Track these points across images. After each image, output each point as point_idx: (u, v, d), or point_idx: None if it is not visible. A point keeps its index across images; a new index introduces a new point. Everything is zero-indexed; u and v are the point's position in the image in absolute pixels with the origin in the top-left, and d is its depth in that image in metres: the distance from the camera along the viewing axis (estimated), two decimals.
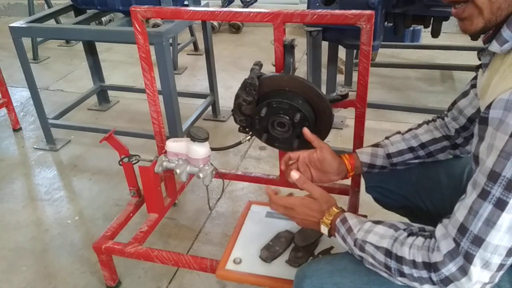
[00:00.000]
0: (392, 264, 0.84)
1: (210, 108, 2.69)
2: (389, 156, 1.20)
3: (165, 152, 1.49)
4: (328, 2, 1.74)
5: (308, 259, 1.21)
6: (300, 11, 1.26)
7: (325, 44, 2.03)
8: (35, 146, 2.51)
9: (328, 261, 0.98)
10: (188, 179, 1.49)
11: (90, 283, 1.62)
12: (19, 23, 2.13)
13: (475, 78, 1.04)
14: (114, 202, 2.03)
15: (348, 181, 1.45)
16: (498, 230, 0.72)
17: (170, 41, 2.44)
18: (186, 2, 2.27)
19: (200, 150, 1.41)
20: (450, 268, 0.76)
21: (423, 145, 1.17)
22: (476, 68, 0.96)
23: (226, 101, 2.78)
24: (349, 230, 0.94)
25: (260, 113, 1.26)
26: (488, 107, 0.73)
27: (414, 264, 0.81)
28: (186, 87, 3.17)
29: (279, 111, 1.25)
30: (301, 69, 2.63)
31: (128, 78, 3.32)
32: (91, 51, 2.67)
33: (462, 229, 0.76)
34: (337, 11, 1.22)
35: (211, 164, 1.46)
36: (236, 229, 1.36)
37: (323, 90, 1.96)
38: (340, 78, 2.85)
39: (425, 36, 2.30)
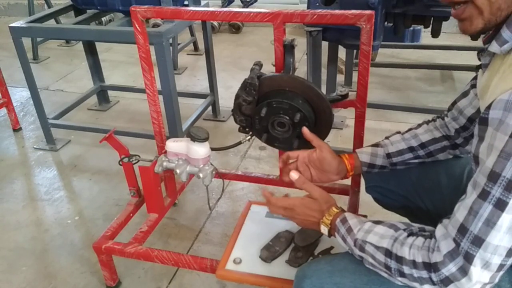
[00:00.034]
0: (392, 264, 0.84)
1: (210, 108, 2.69)
2: (389, 156, 1.20)
3: (165, 152, 1.49)
4: (328, 2, 1.74)
5: (308, 259, 1.21)
6: (300, 11, 1.26)
7: (325, 44, 2.03)
8: (35, 146, 2.51)
9: (328, 261, 0.98)
10: (188, 179, 1.49)
11: (90, 283, 1.62)
12: (19, 23, 2.13)
13: (475, 78, 1.04)
14: (114, 202, 2.03)
15: (348, 181, 1.45)
16: (498, 230, 0.72)
17: (170, 41, 2.44)
18: (186, 2, 2.27)
19: (200, 150, 1.41)
20: (450, 268, 0.76)
21: (423, 145, 1.17)
22: (476, 69, 0.96)
23: (226, 101, 2.78)
24: (349, 230, 0.94)
25: (260, 113, 1.26)
26: (488, 107, 0.73)
27: (414, 264, 0.81)
28: (186, 87, 3.17)
29: (279, 111, 1.25)
30: (301, 69, 2.63)
31: (128, 78, 3.32)
32: (91, 51, 2.67)
33: (462, 230, 0.76)
34: (337, 11, 1.22)
35: (211, 164, 1.46)
36: (236, 229, 1.36)
37: (323, 90, 1.96)
38: (340, 78, 2.85)
39: (425, 36, 2.30)
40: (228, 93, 2.94)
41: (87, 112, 2.87)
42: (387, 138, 1.23)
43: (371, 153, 1.21)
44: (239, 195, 2.03)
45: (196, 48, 3.78)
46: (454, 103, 1.14)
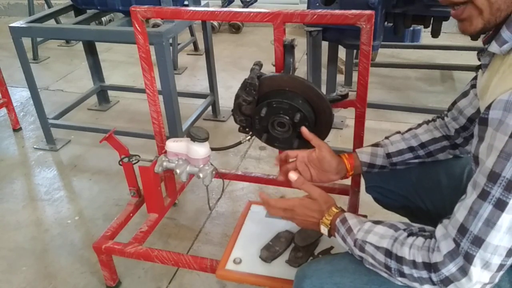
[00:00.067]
0: (392, 264, 0.84)
1: (210, 108, 2.69)
2: (388, 155, 1.20)
3: (165, 152, 1.49)
4: (328, 2, 1.74)
5: (308, 259, 1.21)
6: (300, 11, 1.26)
7: (325, 44, 2.03)
8: (35, 146, 2.51)
9: (328, 261, 0.98)
10: (188, 179, 1.49)
11: (90, 283, 1.62)
12: (19, 23, 2.13)
13: (475, 78, 1.04)
14: (114, 202, 2.03)
15: (348, 181, 1.45)
16: (498, 230, 0.72)
17: (170, 41, 2.44)
18: (186, 2, 2.27)
19: (200, 150, 1.41)
20: (450, 269, 0.77)
21: (422, 145, 1.17)
22: (476, 69, 0.96)
23: (226, 101, 2.78)
24: (349, 230, 0.94)
25: (260, 113, 1.26)
26: (488, 107, 0.73)
27: (414, 264, 0.81)
28: (186, 87, 3.17)
29: (279, 111, 1.25)
30: (301, 69, 2.63)
31: (128, 78, 3.32)
32: (91, 51, 2.67)
33: (462, 230, 0.76)
34: (337, 11, 1.22)
35: (211, 164, 1.46)
36: (236, 229, 1.36)
37: (323, 90, 1.96)
38: (340, 78, 2.85)
39: (425, 36, 2.30)
40: (228, 93, 2.94)
41: (87, 112, 2.87)
42: (387, 138, 1.23)
43: (371, 153, 1.21)
44: (239, 195, 2.03)
45: (196, 48, 3.78)
46: (454, 103, 1.14)
